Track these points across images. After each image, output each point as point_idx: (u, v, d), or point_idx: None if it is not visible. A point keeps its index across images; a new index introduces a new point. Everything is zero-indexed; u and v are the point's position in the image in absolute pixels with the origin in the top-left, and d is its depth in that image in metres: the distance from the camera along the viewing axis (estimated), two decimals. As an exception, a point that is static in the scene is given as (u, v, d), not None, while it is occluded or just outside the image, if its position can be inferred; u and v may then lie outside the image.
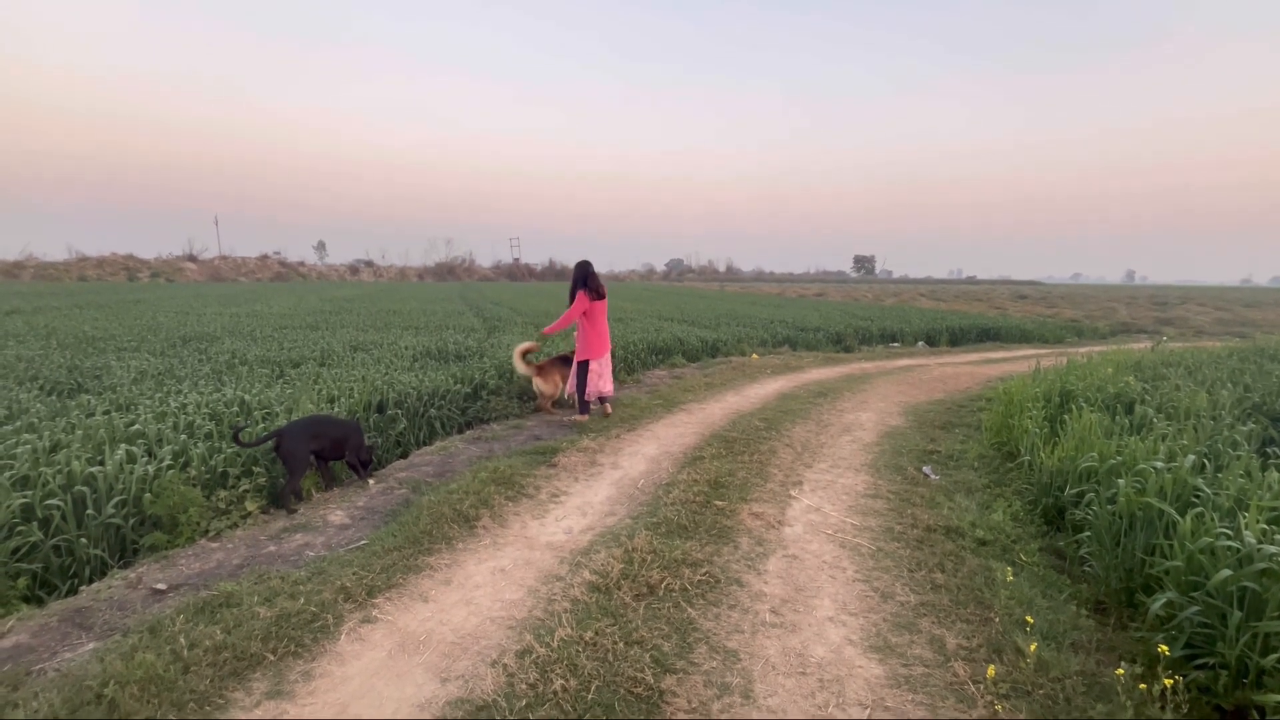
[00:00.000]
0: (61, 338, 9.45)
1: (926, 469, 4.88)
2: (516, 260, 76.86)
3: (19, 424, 4.46)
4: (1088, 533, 3.15)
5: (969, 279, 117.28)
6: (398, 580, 2.92)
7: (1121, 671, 2.16)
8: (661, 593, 2.85)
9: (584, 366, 6.17)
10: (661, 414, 6.48)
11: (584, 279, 6.12)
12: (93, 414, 4.84)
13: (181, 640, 2.32)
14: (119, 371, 6.57)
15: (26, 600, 2.87)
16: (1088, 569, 3.12)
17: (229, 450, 4.01)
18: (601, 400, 6.39)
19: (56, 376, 6.36)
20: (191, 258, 55.65)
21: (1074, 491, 3.67)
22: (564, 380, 6.53)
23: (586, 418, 6.16)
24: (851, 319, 16.62)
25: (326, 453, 4.16)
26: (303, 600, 2.65)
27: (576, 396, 6.25)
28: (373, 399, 5.59)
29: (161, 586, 2.82)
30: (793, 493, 4.32)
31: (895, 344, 14.21)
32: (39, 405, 5.09)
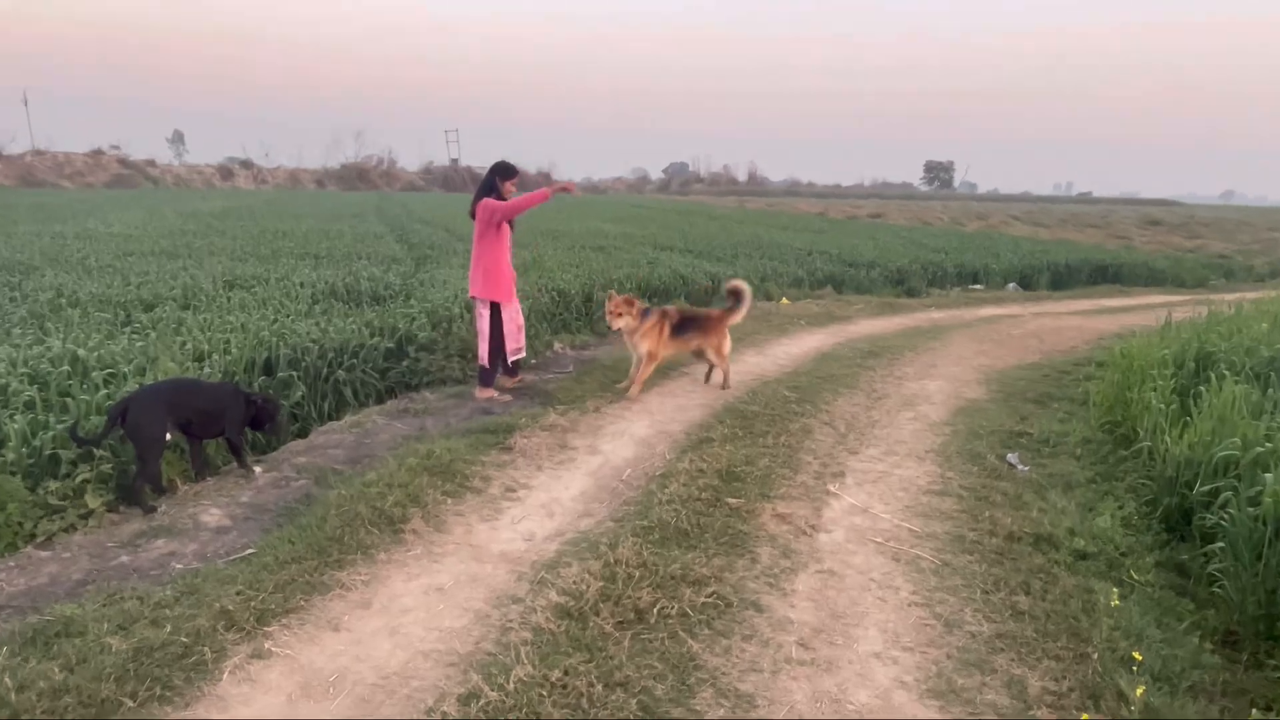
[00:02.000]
0: None
1: (1012, 457, 4.99)
2: (455, 162, 75.31)
3: None
4: (1221, 543, 3.26)
5: (1081, 196, 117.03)
6: (298, 602, 2.98)
7: (1254, 722, 2.27)
8: (654, 619, 2.93)
9: (496, 311, 5.91)
10: (656, 380, 6.53)
11: (507, 173, 5.92)
12: None
13: (6, 680, 2.37)
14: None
15: None
16: (1218, 590, 3.24)
17: (59, 426, 4.01)
18: (517, 365, 6.30)
19: None
20: (-7, 153, 54.15)
21: (1206, 489, 3.78)
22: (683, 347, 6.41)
23: (493, 393, 5.98)
24: (918, 250, 16.66)
25: (195, 429, 4.18)
26: (170, 628, 2.70)
27: (484, 359, 5.98)
28: (258, 356, 5.60)
29: (-25, 610, 2.86)
30: (832, 488, 4.41)
31: (977, 286, 14.31)
32: None
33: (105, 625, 2.71)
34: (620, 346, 7.84)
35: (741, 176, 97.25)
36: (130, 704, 2.36)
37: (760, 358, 7.60)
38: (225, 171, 64.48)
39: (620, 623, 2.90)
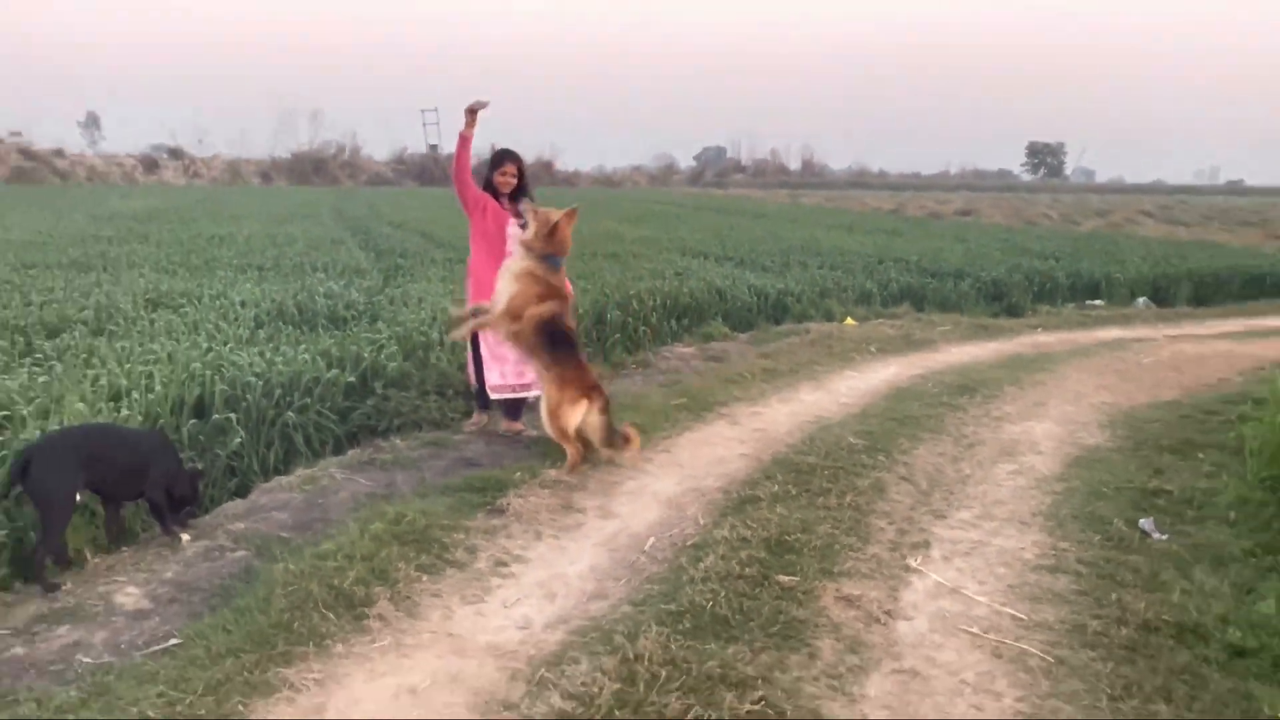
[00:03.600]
0: None
1: (1146, 523, 4.92)
2: (434, 149, 75.95)
3: None
4: None
5: (1231, 185, 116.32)
6: (234, 709, 2.98)
7: None
8: (685, 734, 2.91)
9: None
10: (687, 423, 6.55)
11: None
12: None
13: None
14: None
15: None
16: None
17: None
18: (517, 406, 6.36)
19: None
20: None
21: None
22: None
23: (484, 418, 6.24)
24: (1020, 256, 16.63)
25: (112, 488, 4.24)
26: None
27: (474, 380, 6.24)
28: (187, 394, 5.68)
29: None
30: (912, 562, 4.37)
31: (1097, 302, 14.24)
32: None
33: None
34: (649, 381, 7.89)
35: (794, 164, 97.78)
36: (24, 837, 2.38)
37: (820, 394, 7.59)
38: (150, 163, 65.79)
39: (642, 738, 2.89)
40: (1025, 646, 3.60)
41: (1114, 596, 4.00)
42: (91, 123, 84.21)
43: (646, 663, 3.25)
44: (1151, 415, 7.36)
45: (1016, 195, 60.09)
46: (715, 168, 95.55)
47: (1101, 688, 3.29)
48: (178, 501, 4.46)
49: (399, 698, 3.16)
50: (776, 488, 5.19)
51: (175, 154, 69.05)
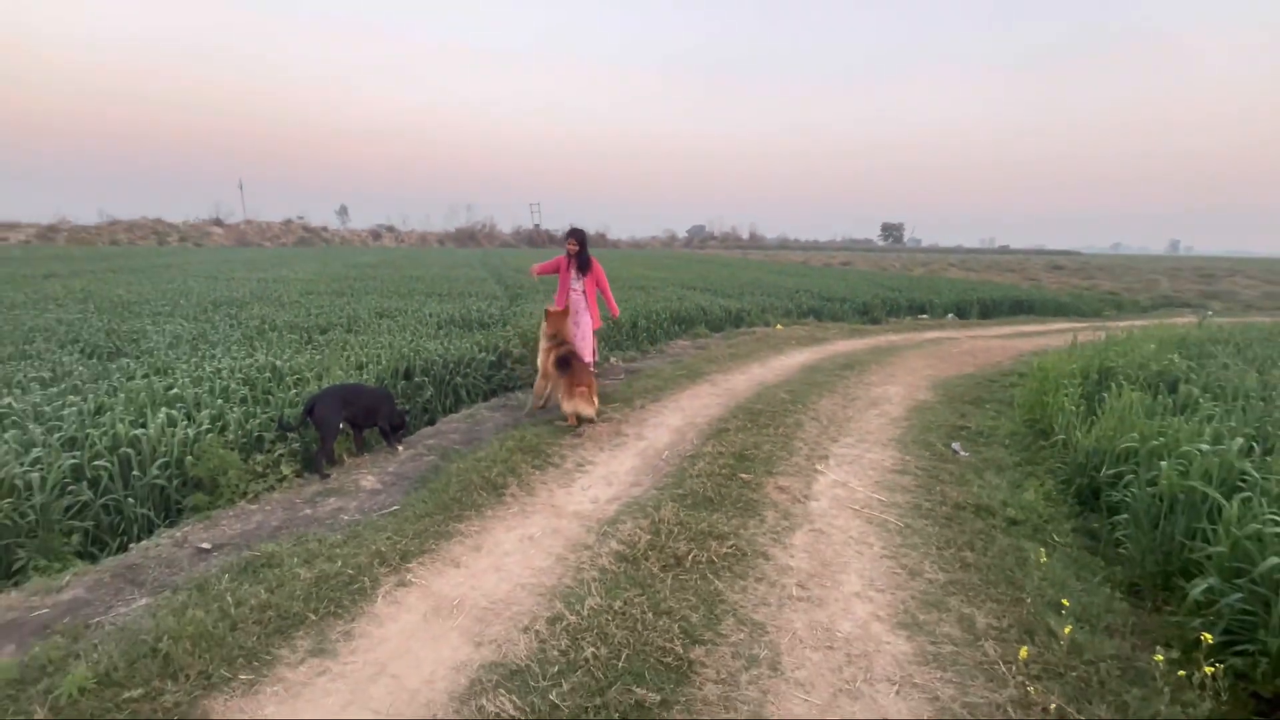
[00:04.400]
0: (98, 301, 9.70)
1: (956, 445, 4.82)
2: (537, 226, 76.07)
3: (64, 386, 4.63)
4: (1125, 515, 3.10)
5: (1002, 248, 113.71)
6: (430, 546, 3.00)
7: (1159, 657, 2.14)
8: (689, 564, 2.88)
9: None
10: (685, 384, 6.47)
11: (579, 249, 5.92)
12: (133, 377, 4.97)
13: (229, 598, 2.42)
14: (155, 336, 6.74)
15: (80, 556, 3.02)
16: (1123, 551, 3.07)
17: (264, 415, 4.12)
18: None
19: (96, 340, 6.54)
20: (218, 222, 56.44)
21: (1111, 472, 3.60)
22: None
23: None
24: (878, 289, 16.28)
25: (358, 420, 4.24)
26: (340, 563, 2.74)
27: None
28: (400, 366, 5.67)
29: (206, 546, 2.94)
30: (819, 467, 4.30)
31: (924, 316, 13.95)
32: (81, 368, 5.25)
33: (295, 560, 2.76)
34: (663, 361, 7.83)
35: (745, 234, 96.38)
36: (313, 617, 2.39)
37: (762, 369, 7.49)
38: (375, 234, 65.99)
39: (664, 566, 2.86)
40: (886, 517, 3.53)
41: (938, 489, 3.92)
42: (343, 211, 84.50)
43: (666, 523, 3.23)
44: (958, 382, 7.20)
45: (875, 254, 58.91)
46: (699, 237, 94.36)
47: (932, 542, 3.23)
48: (395, 428, 4.48)
49: (524, 541, 3.16)
50: (739, 423, 5.12)
51: (390, 229, 69.22)
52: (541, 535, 3.22)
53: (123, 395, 4.21)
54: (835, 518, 3.53)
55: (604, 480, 4.01)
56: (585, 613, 2.45)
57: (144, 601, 2.48)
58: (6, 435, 3.37)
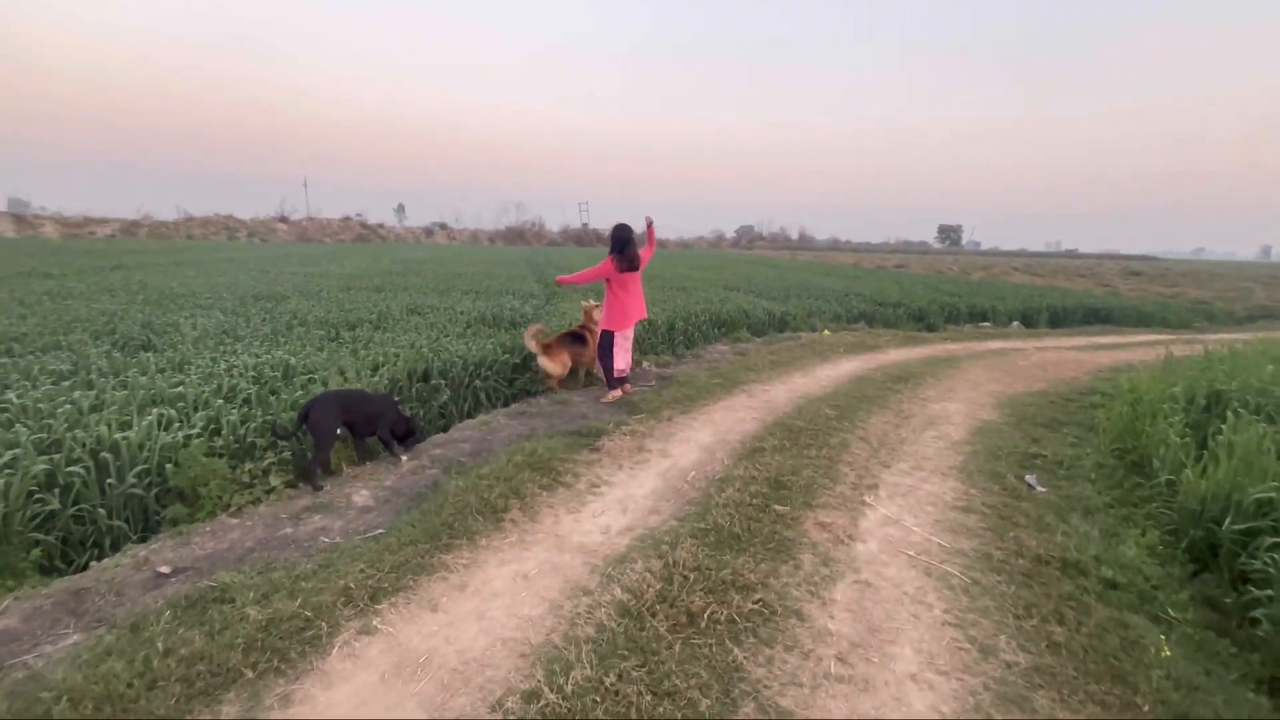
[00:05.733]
0: (150, 293, 9.89)
1: (1030, 478, 4.13)
2: (585, 225, 76.43)
3: (75, 380, 4.49)
4: (1269, 591, 2.42)
5: (1069, 252, 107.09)
6: (407, 582, 2.60)
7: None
8: (704, 624, 2.38)
9: (607, 337, 5.69)
10: (720, 395, 5.94)
11: (621, 245, 5.59)
12: (146, 372, 4.83)
13: (159, 644, 2.08)
14: (185, 329, 6.68)
15: (45, 571, 2.77)
16: (1260, 633, 2.40)
17: (261, 418, 3.85)
18: (620, 380, 5.82)
19: (131, 332, 6.53)
20: (283, 219, 58.91)
21: (1239, 528, 2.89)
22: (573, 360, 6.02)
23: (620, 393, 5.70)
24: (936, 294, 15.23)
25: (358, 427, 3.94)
26: (299, 601, 2.37)
27: (604, 372, 5.77)
28: (417, 367, 5.36)
29: (165, 570, 2.63)
30: (867, 499, 3.72)
31: (985, 324, 12.89)
32: (103, 361, 5.15)
33: (250, 594, 2.40)
34: (698, 366, 7.30)
35: (795, 235, 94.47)
36: (250, 674, 2.01)
37: (806, 379, 6.87)
38: (428, 231, 67.63)
39: (673, 625, 2.37)
40: (948, 569, 2.94)
41: (1011, 534, 3.28)
42: (400, 209, 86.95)
43: (681, 568, 2.74)
44: (1028, 400, 6.40)
45: (931, 257, 56.30)
46: (746, 236, 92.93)
47: (1008, 607, 2.62)
48: (406, 435, 4.15)
49: (516, 580, 2.73)
50: (776, 442, 4.56)
51: (443, 227, 70.75)
52: (538, 573, 2.78)
53: (124, 393, 4.01)
54: (886, 566, 2.96)
55: (619, 505, 3.54)
56: (569, 689, 1.99)
57: (74, 639, 2.17)
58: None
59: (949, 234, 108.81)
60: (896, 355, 8.76)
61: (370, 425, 3.96)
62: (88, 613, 2.34)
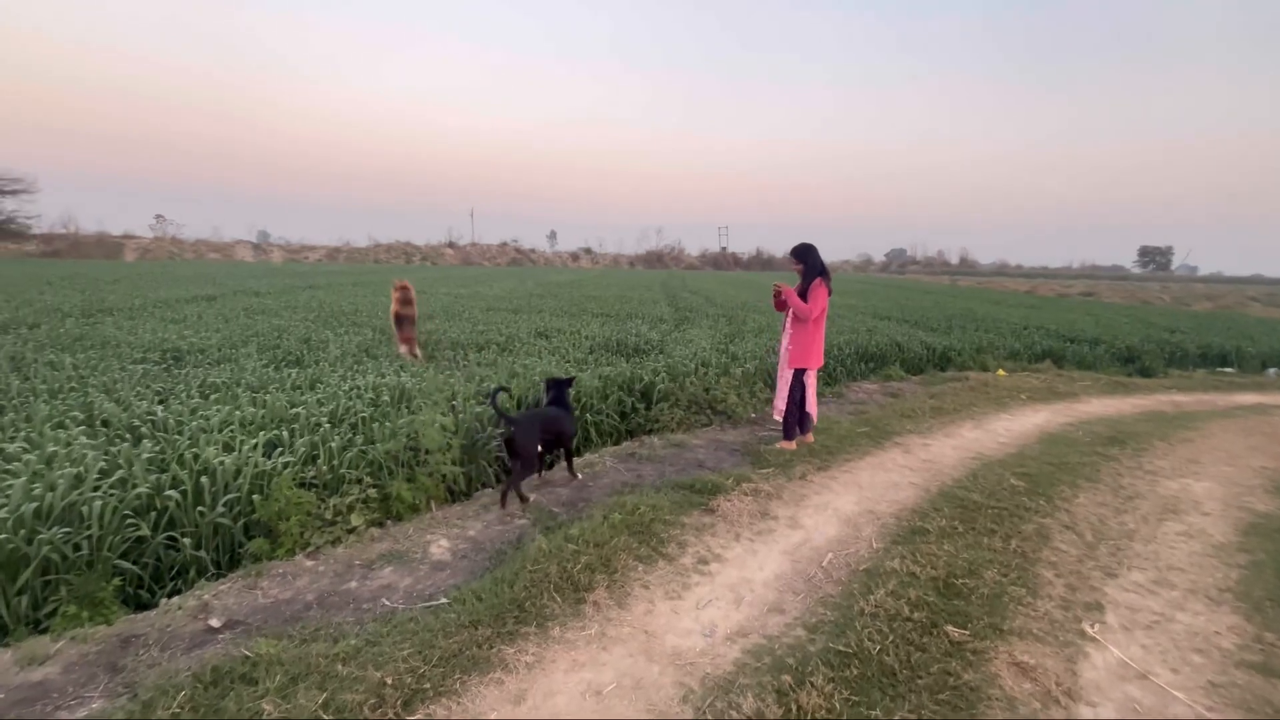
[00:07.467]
0: (322, 311, 10.97)
1: (1371, 624, 2.69)
2: (723, 249, 76.04)
3: (222, 394, 4.73)
4: None
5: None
6: (453, 684, 2.09)
7: None
8: (840, 837, 1.57)
9: (799, 376, 4.78)
10: (867, 448, 4.92)
11: (824, 268, 4.84)
12: (282, 388, 5.01)
13: (157, 739, 1.74)
14: (332, 347, 7.08)
15: (124, 601, 2.68)
16: None
17: (359, 447, 3.67)
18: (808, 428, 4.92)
19: (290, 348, 7.05)
20: (450, 245, 65.65)
21: None
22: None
23: (795, 445, 4.76)
24: (1148, 328, 12.45)
25: (549, 445, 4.01)
26: (323, 699, 1.95)
27: (784, 417, 4.82)
28: (528, 395, 5.06)
29: (216, 624, 2.38)
30: (1089, 628, 2.60)
31: (1227, 370, 10.12)
32: (253, 376, 5.47)
33: (278, 678, 2.03)
34: (841, 410, 6.28)
35: (954, 259, 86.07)
36: (234, 807, 1.59)
37: (979, 433, 5.56)
38: (574, 256, 71.44)
39: (793, 832, 1.59)
40: (1260, 791, 1.81)
41: (1369, 734, 2.02)
42: (552, 236, 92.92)
43: (809, 717, 1.94)
44: (1322, 485, 4.57)
45: (1129, 283, 47.74)
46: (898, 260, 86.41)
47: None
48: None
49: (585, 696, 2.10)
50: (944, 522, 3.51)
51: (588, 252, 74.35)
52: (614, 690, 2.14)
53: (241, 412, 4.07)
54: (1137, 761, 1.90)
55: (730, 593, 2.80)
56: None
57: (96, 705, 1.93)
58: (104, 450, 3.26)
59: (1154, 256, 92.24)
60: (1101, 407, 6.98)
61: (557, 443, 4.02)
62: (125, 669, 2.11)
